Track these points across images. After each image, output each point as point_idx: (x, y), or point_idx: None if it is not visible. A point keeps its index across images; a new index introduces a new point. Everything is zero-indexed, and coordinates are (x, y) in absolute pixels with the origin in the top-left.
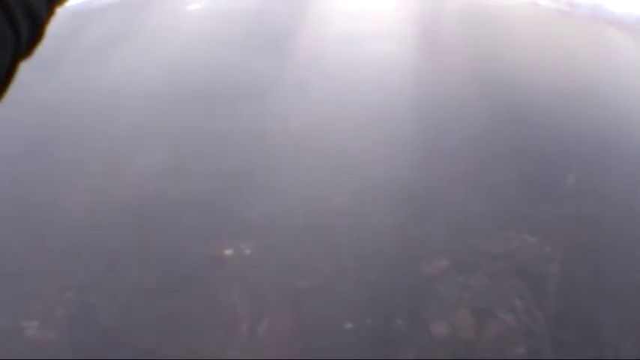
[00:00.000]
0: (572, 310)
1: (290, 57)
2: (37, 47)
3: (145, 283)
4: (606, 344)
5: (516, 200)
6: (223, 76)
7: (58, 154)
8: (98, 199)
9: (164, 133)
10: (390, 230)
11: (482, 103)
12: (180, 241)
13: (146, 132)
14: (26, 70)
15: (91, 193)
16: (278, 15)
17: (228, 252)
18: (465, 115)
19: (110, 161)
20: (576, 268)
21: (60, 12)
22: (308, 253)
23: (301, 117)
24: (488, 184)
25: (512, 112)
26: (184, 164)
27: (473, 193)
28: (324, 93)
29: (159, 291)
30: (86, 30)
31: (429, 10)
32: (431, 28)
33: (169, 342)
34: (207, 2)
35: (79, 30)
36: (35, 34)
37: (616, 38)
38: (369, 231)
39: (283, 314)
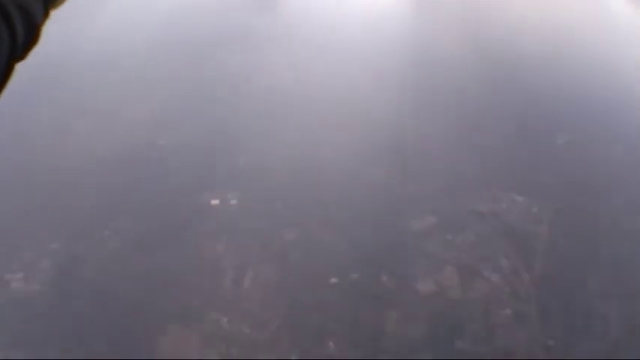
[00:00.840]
0: (559, 274)
1: (282, 9)
2: (32, 49)
3: (131, 233)
4: (593, 312)
5: (505, 161)
6: (215, 26)
7: (46, 105)
8: (87, 150)
9: (154, 83)
10: (379, 186)
11: (474, 65)
12: (167, 192)
13: (137, 82)
14: None
15: (80, 144)
16: None
17: (215, 202)
18: (457, 76)
19: (100, 112)
20: (564, 231)
21: None
22: (295, 205)
23: (292, 70)
24: (477, 144)
25: (503, 74)
26: (174, 114)
27: (462, 153)
28: (316, 47)
29: (145, 242)
30: None
31: None
32: None
33: (155, 294)
34: None
35: None
36: (31, 37)
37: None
38: (358, 186)
39: (269, 266)
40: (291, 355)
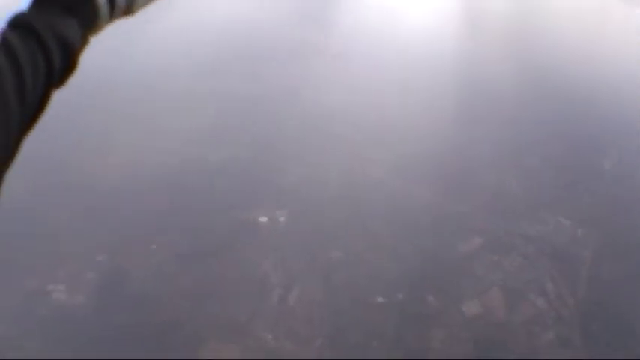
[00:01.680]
0: (604, 299)
1: (333, 26)
2: (70, 77)
3: (178, 248)
4: (636, 337)
5: (552, 183)
6: (266, 41)
7: (97, 117)
8: (136, 164)
9: (205, 99)
10: (426, 207)
11: (520, 85)
12: (215, 208)
13: (187, 98)
14: None
15: (129, 157)
16: None
17: (263, 220)
18: (504, 96)
19: (150, 126)
20: (610, 255)
21: None
22: (342, 224)
23: (340, 87)
24: (524, 166)
25: (550, 95)
26: (224, 130)
27: (509, 174)
28: (365, 65)
29: (191, 257)
30: None
31: None
32: (473, 6)
33: (199, 310)
34: None
35: None
36: (68, 64)
37: None
38: (404, 206)
39: (314, 284)
40: None
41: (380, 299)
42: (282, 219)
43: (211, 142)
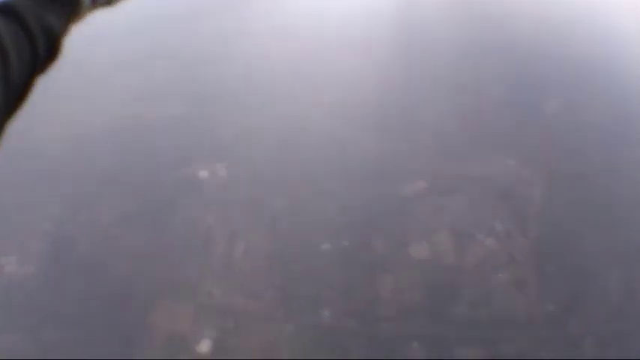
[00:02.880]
0: (555, 237)
1: None
2: (53, 63)
3: (121, 209)
4: (592, 274)
5: (496, 124)
6: None
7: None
8: (74, 128)
9: (140, 58)
10: (368, 151)
11: (462, 25)
12: (156, 166)
13: (122, 57)
14: None
15: (66, 120)
16: None
17: (203, 174)
18: (446, 38)
19: (84, 88)
20: (558, 194)
21: None
22: (283, 172)
23: (275, 33)
24: (467, 107)
25: (493, 35)
26: (159, 87)
27: (452, 116)
28: (301, 13)
29: (135, 217)
30: None
31: None
32: None
33: (147, 270)
34: None
35: None
36: (52, 51)
37: None
38: (346, 151)
39: (259, 236)
40: (287, 325)
41: (326, 246)
42: (222, 172)
43: (148, 100)
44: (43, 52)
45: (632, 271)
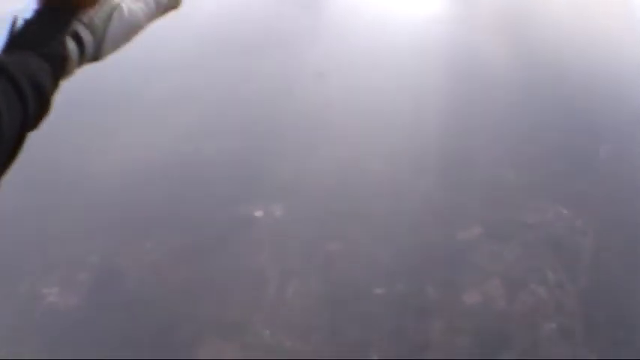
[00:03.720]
0: (605, 288)
1: (327, 7)
2: (43, 120)
3: (172, 245)
4: (637, 325)
5: (549, 172)
6: (254, 31)
7: (87, 115)
8: (127, 161)
9: (197, 93)
10: (424, 197)
11: (516, 73)
12: (210, 203)
13: (179, 92)
14: None
15: (122, 155)
16: None
17: (258, 213)
18: (500, 84)
19: (142, 123)
20: (610, 244)
21: None
22: (339, 216)
23: (336, 73)
24: (522, 156)
25: (546, 84)
26: (218, 124)
27: (507, 164)
28: (359, 52)
29: (186, 254)
30: None
31: None
32: None
33: (195, 308)
34: None
35: None
36: (42, 108)
37: None
38: (403, 196)
39: (312, 278)
40: None
41: (378, 291)
42: (277, 212)
43: (205, 136)
44: (34, 109)
45: None
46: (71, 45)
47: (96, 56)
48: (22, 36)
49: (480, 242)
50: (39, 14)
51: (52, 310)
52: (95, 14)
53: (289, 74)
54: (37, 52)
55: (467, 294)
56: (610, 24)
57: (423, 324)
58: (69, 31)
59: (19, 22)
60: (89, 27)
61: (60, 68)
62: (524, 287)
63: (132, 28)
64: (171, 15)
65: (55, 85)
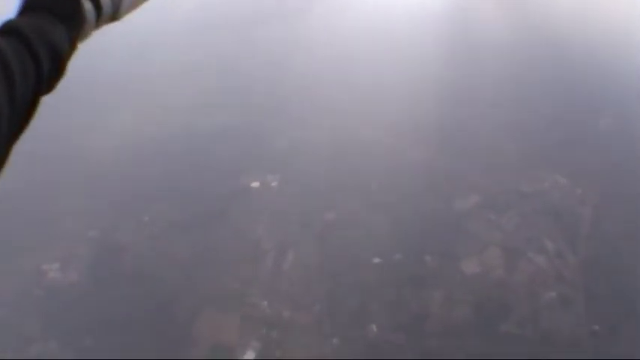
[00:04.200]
0: (605, 257)
1: None
2: (58, 82)
3: (171, 218)
4: (639, 296)
5: (548, 142)
6: (249, 5)
7: (87, 95)
8: (126, 136)
9: (192, 68)
10: (421, 166)
11: (517, 44)
12: (207, 175)
13: (173, 68)
14: None
15: (119, 131)
16: None
17: (255, 184)
18: (500, 55)
19: (139, 98)
20: (609, 213)
21: None
22: (335, 185)
23: (330, 47)
24: (520, 125)
25: (547, 55)
26: (213, 98)
27: (505, 133)
28: (356, 23)
29: (184, 226)
30: None
31: None
32: None
33: (194, 280)
34: None
35: None
36: (57, 71)
37: None
38: (399, 165)
39: (309, 248)
40: (333, 339)
41: (376, 260)
42: (274, 183)
43: (201, 110)
44: (48, 71)
45: None
46: (88, 5)
47: (114, 16)
48: None
49: (478, 211)
50: None
51: (53, 286)
52: None
53: (285, 48)
54: (53, 13)
55: (465, 263)
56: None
57: (422, 294)
58: None
59: None
60: None
61: (76, 30)
62: (523, 256)
63: None
64: None
65: (71, 47)
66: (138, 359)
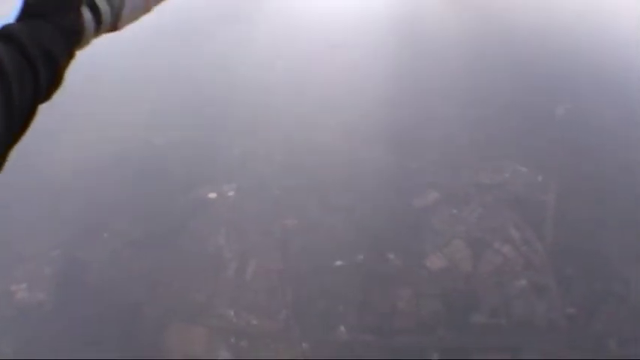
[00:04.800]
0: (573, 241)
1: None
2: (55, 91)
3: (131, 234)
4: (613, 276)
5: (506, 131)
6: (200, 17)
7: (41, 112)
8: (81, 157)
9: (144, 82)
10: (377, 165)
11: (469, 33)
12: (164, 190)
13: (126, 82)
14: None
15: (76, 148)
16: None
17: (212, 195)
18: (452, 45)
19: (91, 118)
20: (572, 198)
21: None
22: (293, 191)
23: (280, 57)
24: (474, 117)
25: (500, 42)
26: (165, 113)
27: (460, 126)
28: (304, 32)
29: (145, 240)
30: None
31: None
32: None
33: (159, 293)
34: None
35: None
36: (54, 78)
37: None
38: (354, 167)
39: (271, 255)
40: (302, 343)
41: (339, 263)
42: (231, 193)
43: (154, 125)
44: (45, 79)
45: None
46: (87, 15)
47: (114, 27)
48: (36, 4)
49: (438, 207)
50: None
51: (22, 306)
52: None
53: (233, 56)
54: (51, 21)
55: (430, 259)
56: None
57: (389, 292)
58: (85, 0)
59: None
60: None
61: (74, 38)
62: (489, 247)
63: None
64: None
65: (69, 55)
66: None
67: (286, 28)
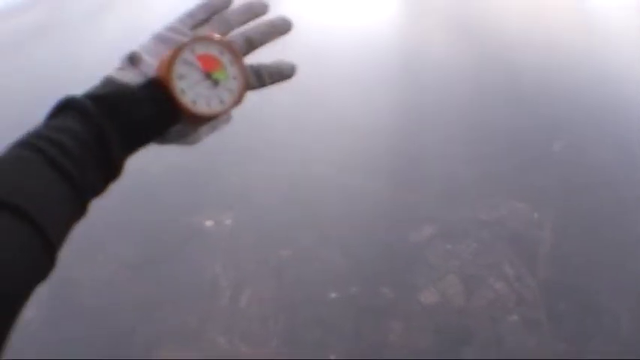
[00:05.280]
0: (566, 277)
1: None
2: (49, 275)
3: (126, 258)
4: (604, 311)
5: (502, 167)
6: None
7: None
8: None
9: None
10: (373, 198)
11: (467, 69)
12: (162, 216)
13: None
14: None
15: None
16: None
17: (209, 223)
18: (449, 82)
19: None
20: (567, 234)
21: None
22: (289, 221)
23: (281, 84)
24: (473, 153)
25: (497, 81)
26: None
27: (458, 162)
28: (303, 61)
29: (140, 265)
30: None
31: None
32: None
33: (150, 318)
34: None
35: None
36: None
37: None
38: (352, 199)
39: (266, 284)
40: None
41: (333, 295)
42: (228, 221)
43: (150, 152)
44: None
45: None
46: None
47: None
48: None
49: (434, 241)
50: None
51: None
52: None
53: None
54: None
55: (423, 293)
56: (563, 22)
57: (381, 325)
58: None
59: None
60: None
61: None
62: (483, 283)
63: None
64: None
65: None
66: None
67: (288, 55)
